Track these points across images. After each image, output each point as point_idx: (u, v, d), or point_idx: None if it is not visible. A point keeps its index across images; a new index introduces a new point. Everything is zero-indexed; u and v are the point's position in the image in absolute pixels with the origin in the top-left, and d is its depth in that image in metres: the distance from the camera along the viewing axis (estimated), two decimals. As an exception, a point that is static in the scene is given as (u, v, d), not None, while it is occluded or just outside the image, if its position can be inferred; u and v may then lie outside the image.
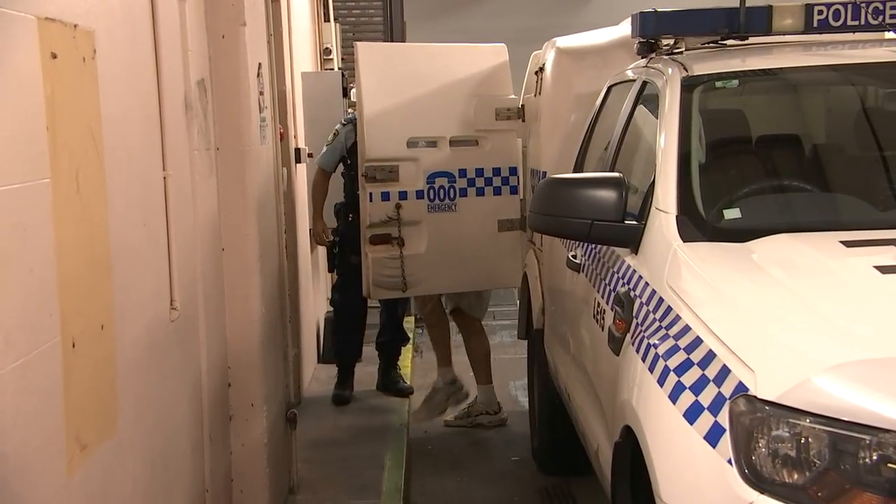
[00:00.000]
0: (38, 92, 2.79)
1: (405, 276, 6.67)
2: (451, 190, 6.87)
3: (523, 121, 6.79)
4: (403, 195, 6.62)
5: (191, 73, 4.39)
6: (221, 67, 4.81)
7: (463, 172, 6.90)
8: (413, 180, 6.67)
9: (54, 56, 2.90)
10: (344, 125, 7.29)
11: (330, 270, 7.67)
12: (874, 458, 2.38)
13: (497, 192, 7.00)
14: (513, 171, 6.99)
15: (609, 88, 5.35)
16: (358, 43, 6.79)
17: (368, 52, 6.72)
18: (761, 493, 2.48)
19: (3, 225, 2.56)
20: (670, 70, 4.21)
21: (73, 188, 3.02)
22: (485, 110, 6.84)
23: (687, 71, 4.11)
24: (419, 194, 6.69)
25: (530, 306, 6.29)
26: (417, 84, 6.72)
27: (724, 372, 2.70)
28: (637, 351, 3.29)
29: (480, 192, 6.98)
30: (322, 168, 7.33)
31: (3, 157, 2.58)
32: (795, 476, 2.47)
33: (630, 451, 3.22)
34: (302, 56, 8.46)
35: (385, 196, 6.58)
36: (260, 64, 5.14)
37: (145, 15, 3.86)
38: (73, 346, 2.98)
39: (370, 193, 6.49)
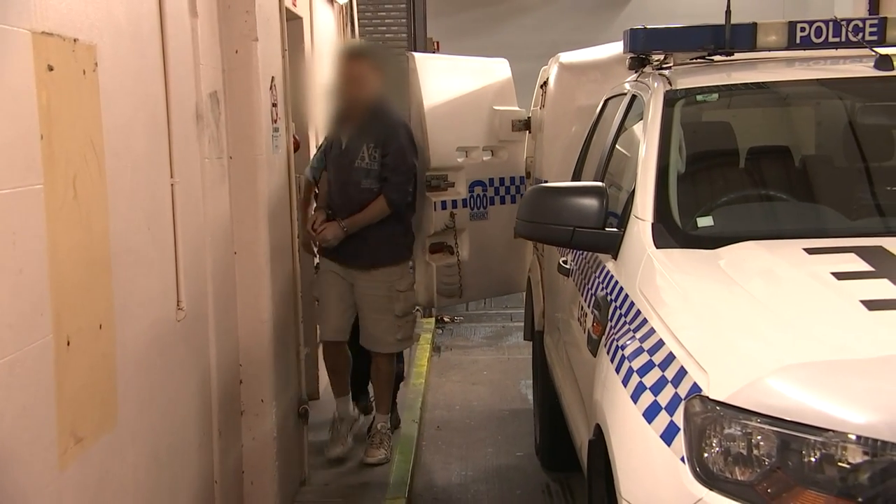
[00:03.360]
0: (31, 102, 2.79)
1: (462, 283, 6.69)
2: (485, 198, 6.89)
3: (529, 132, 6.79)
4: (454, 204, 6.63)
5: (202, 85, 4.40)
6: (234, 80, 4.82)
7: (491, 181, 6.94)
8: (458, 189, 6.69)
9: (51, 68, 2.90)
10: None
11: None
12: (818, 456, 2.34)
13: (514, 200, 7.02)
14: (522, 179, 7.00)
15: (606, 101, 5.32)
16: (413, 54, 6.84)
17: (424, 64, 6.72)
18: (711, 489, 2.45)
19: (-9, 228, 2.56)
20: (656, 84, 4.18)
21: (70, 194, 3.02)
22: (504, 121, 6.87)
23: (671, 85, 4.08)
24: (464, 203, 6.72)
25: (534, 309, 6.27)
26: (458, 94, 6.75)
27: (682, 373, 2.67)
28: (608, 351, 3.26)
29: (503, 201, 7.01)
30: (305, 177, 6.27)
31: (-7, 164, 2.59)
32: (745, 473, 2.43)
33: (603, 448, 3.19)
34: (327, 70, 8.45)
35: (443, 205, 6.59)
36: (273, 77, 5.15)
37: (154, 31, 3.86)
38: (68, 344, 2.98)
39: (434, 202, 6.48)
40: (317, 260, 6.23)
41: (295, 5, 6.59)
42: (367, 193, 5.68)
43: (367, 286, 5.81)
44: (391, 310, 5.80)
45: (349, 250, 5.77)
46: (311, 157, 6.39)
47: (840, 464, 2.31)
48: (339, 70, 5.73)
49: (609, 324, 3.42)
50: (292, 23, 6.38)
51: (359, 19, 9.67)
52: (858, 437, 2.28)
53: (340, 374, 6.15)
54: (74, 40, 3.09)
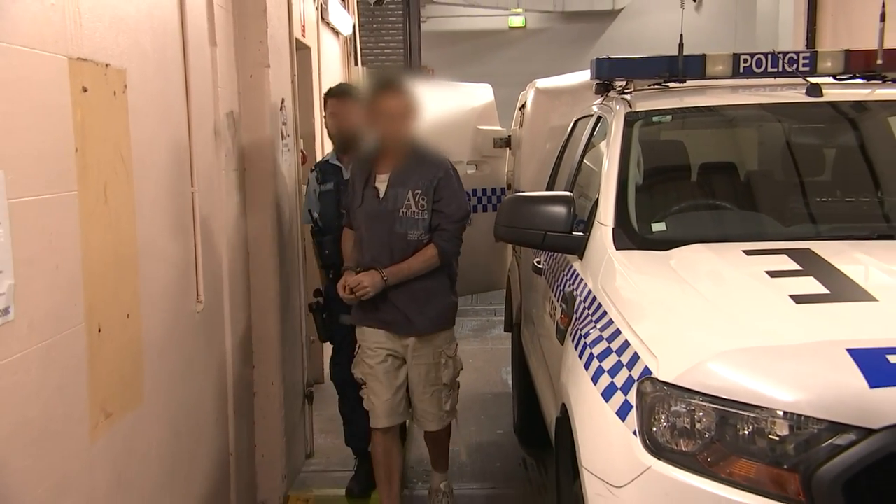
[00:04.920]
0: (67, 119, 2.82)
1: None
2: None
3: (510, 148, 6.83)
4: None
5: (220, 106, 4.43)
6: (249, 102, 4.86)
7: (475, 192, 6.93)
8: None
9: (85, 90, 2.93)
10: (312, 171, 5.43)
11: (323, 340, 5.39)
12: (751, 430, 2.38)
13: (495, 208, 7.03)
14: (503, 191, 7.02)
15: (576, 122, 5.34)
16: None
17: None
18: (658, 459, 2.48)
19: (30, 228, 2.58)
20: (618, 106, 4.21)
21: (101, 199, 3.05)
22: (487, 139, 6.89)
23: (631, 107, 4.11)
24: None
25: (512, 304, 6.29)
26: (443, 115, 6.76)
27: (635, 358, 2.69)
28: (573, 340, 3.29)
29: (485, 209, 7.01)
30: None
31: (34, 172, 2.62)
32: (688, 445, 2.46)
33: (567, 424, 3.22)
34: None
35: None
36: (283, 99, 5.18)
37: (177, 58, 3.89)
38: (99, 331, 3.01)
39: None
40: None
41: (304, 36, 6.63)
42: (416, 246, 4.42)
43: (417, 355, 4.57)
44: (439, 379, 4.60)
45: (398, 316, 4.49)
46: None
47: (770, 436, 2.34)
48: (377, 107, 4.39)
49: (574, 316, 3.44)
50: (301, 52, 6.42)
51: (361, 50, 9.71)
52: (785, 413, 2.32)
53: (392, 471, 4.77)
54: (106, 65, 3.12)
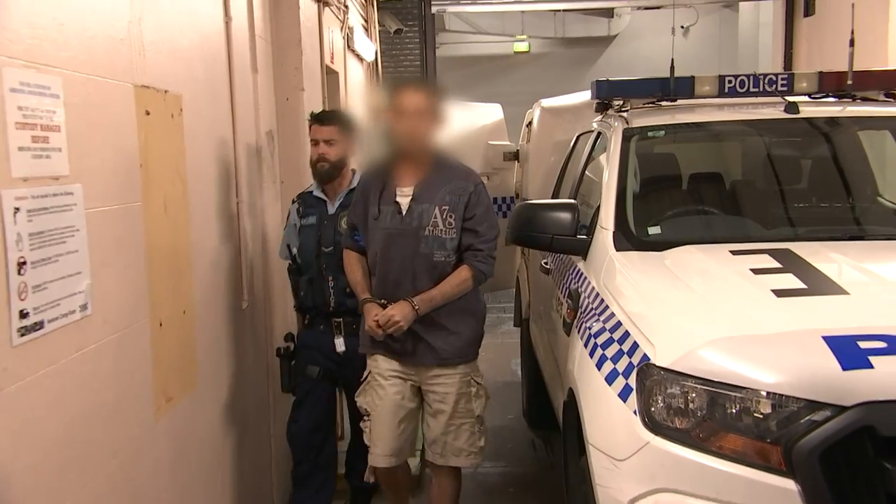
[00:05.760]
0: (133, 139, 2.92)
1: None
2: None
3: (518, 161, 6.90)
4: None
5: (261, 125, 4.52)
6: (286, 122, 4.94)
7: None
8: None
9: (148, 113, 3.03)
10: (293, 202, 4.33)
11: (285, 390, 4.35)
12: (738, 409, 2.44)
13: (504, 215, 7.09)
14: (512, 199, 7.10)
15: (578, 137, 5.41)
16: None
17: None
18: (656, 435, 2.54)
19: (105, 235, 2.68)
20: (616, 123, 4.26)
21: (162, 209, 3.14)
22: (497, 153, 6.96)
23: (628, 124, 4.18)
24: None
25: (521, 301, 6.36)
26: (457, 131, 6.82)
27: (635, 346, 2.76)
28: (578, 332, 3.35)
29: (496, 216, 7.08)
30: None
31: (106, 186, 2.71)
32: (682, 422, 2.52)
33: (574, 406, 3.28)
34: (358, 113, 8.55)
35: None
36: (316, 119, 5.26)
37: (224, 83, 3.99)
38: (161, 325, 3.11)
39: None
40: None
41: (333, 62, 6.71)
42: (443, 268, 3.63)
43: (441, 383, 3.70)
44: (471, 410, 3.74)
45: (418, 344, 3.66)
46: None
47: (754, 414, 2.41)
48: (397, 105, 3.60)
49: (579, 310, 3.50)
50: (331, 76, 6.50)
51: (382, 73, 9.79)
52: (768, 393, 2.39)
53: (401, 490, 4.06)
54: (165, 91, 3.21)
